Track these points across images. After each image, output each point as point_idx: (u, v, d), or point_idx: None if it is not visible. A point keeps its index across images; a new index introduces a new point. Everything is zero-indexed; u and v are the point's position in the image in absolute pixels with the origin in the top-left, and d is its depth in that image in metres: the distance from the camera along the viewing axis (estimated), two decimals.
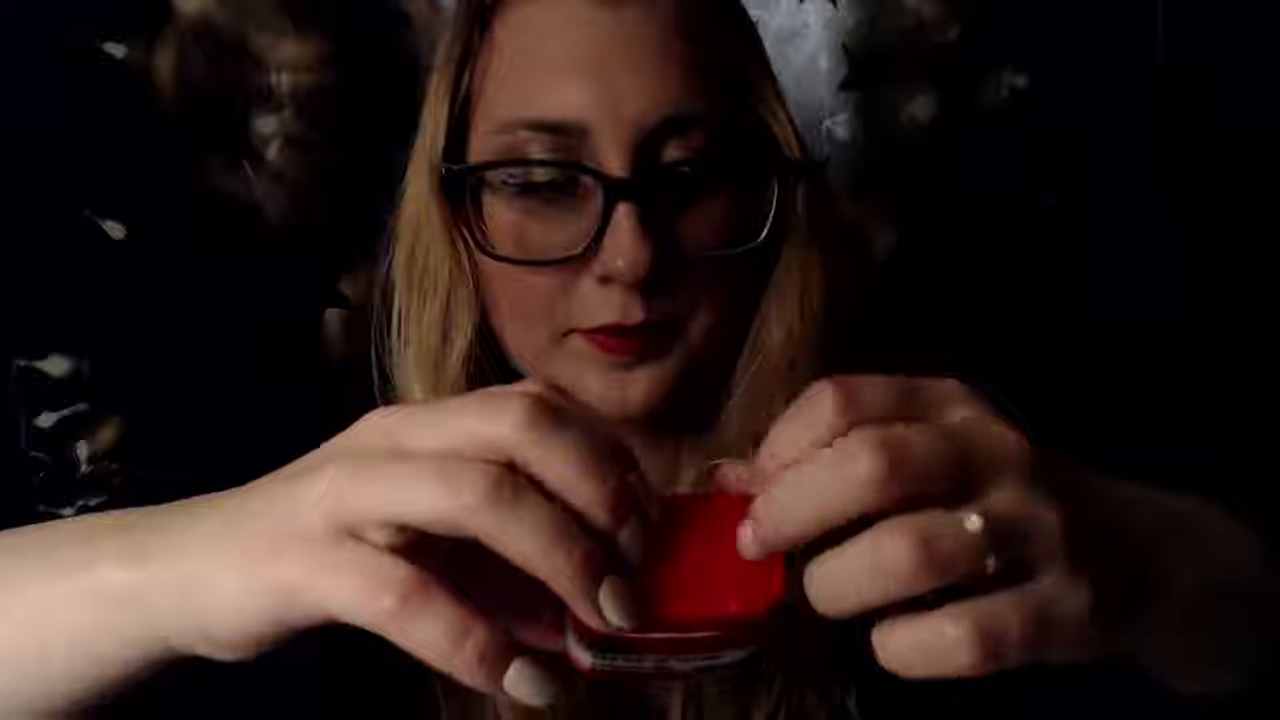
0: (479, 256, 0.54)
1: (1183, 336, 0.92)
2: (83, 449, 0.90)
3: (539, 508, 0.31)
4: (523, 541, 0.31)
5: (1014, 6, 0.92)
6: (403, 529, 0.32)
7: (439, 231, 0.54)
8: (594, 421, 0.34)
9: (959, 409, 0.34)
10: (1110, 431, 0.85)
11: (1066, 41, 0.92)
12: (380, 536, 0.32)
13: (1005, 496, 0.32)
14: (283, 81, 0.90)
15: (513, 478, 0.31)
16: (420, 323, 0.56)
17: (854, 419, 0.32)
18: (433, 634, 0.31)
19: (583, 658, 0.35)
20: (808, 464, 0.32)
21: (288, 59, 0.90)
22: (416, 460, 0.32)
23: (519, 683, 0.31)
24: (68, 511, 0.89)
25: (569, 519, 0.31)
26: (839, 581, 0.32)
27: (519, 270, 0.52)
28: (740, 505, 0.34)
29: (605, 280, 0.51)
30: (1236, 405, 0.91)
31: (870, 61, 0.93)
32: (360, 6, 0.92)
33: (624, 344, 0.52)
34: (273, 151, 0.91)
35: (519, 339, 0.55)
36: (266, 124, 0.91)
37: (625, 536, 0.32)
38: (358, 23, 0.91)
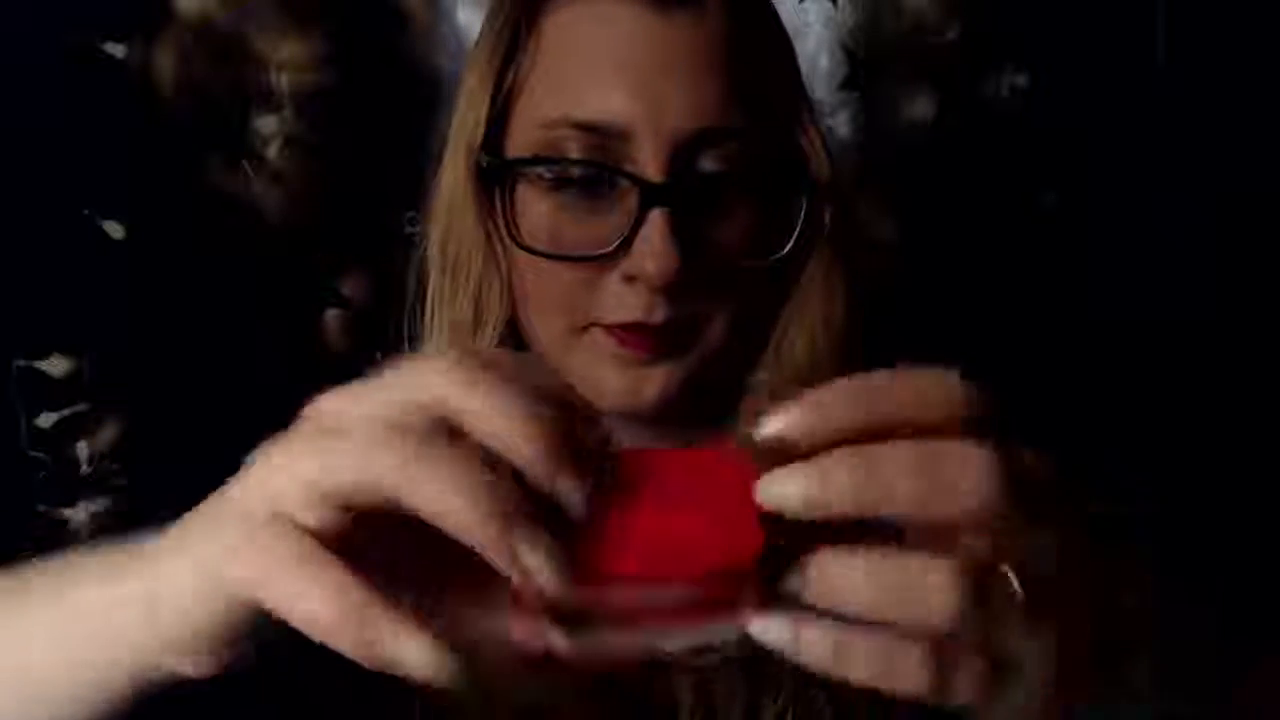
0: (510, 246, 0.55)
1: (1182, 337, 0.92)
2: (83, 449, 0.90)
3: (453, 462, 0.30)
4: (434, 498, 0.29)
5: (1014, 6, 0.92)
6: (337, 508, 0.31)
7: (472, 220, 0.56)
8: (538, 370, 0.33)
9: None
10: (1107, 432, 0.85)
11: (1066, 41, 0.92)
12: (309, 517, 0.31)
13: None
14: (283, 81, 0.90)
15: (429, 438, 0.30)
16: (453, 307, 0.57)
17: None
18: (319, 608, 0.30)
19: (559, 642, 0.33)
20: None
21: (288, 59, 0.90)
22: (341, 431, 0.31)
23: (413, 658, 0.30)
24: (68, 512, 0.89)
25: (486, 472, 0.30)
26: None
27: (547, 262, 0.54)
28: (713, 458, 0.33)
29: (631, 279, 0.52)
30: (1234, 406, 0.91)
31: (870, 61, 0.93)
32: (360, 6, 0.92)
33: (644, 342, 0.53)
34: (273, 151, 0.91)
35: (539, 327, 0.56)
36: (266, 124, 0.91)
37: (562, 485, 0.31)
38: (358, 23, 0.92)
